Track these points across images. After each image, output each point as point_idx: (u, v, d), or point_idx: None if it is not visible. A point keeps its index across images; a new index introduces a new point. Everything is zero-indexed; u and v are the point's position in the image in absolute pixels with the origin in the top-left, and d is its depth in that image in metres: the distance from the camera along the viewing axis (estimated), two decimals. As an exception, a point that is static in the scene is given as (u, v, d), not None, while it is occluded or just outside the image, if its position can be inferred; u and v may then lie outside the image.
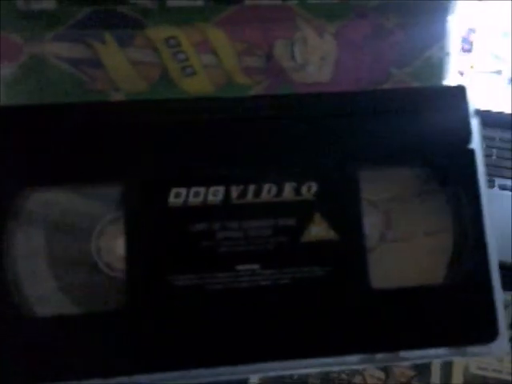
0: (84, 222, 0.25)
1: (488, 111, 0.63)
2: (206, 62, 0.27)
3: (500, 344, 0.25)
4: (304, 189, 0.26)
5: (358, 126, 0.26)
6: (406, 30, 0.27)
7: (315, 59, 0.27)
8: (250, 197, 0.25)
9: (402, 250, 0.26)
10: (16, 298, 0.24)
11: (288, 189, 0.25)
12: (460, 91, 0.26)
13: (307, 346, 0.24)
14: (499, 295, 0.25)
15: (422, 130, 0.26)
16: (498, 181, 0.59)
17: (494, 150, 0.63)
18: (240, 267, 0.25)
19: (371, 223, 0.26)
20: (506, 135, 0.64)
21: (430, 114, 0.26)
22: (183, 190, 0.25)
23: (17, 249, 0.24)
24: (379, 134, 0.26)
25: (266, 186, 0.25)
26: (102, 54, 0.27)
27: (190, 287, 0.25)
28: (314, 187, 0.25)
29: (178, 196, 0.25)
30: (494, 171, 0.60)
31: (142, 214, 0.25)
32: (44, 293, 0.24)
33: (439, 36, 0.27)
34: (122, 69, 0.27)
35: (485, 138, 0.57)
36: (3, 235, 0.24)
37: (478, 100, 0.26)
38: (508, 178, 0.60)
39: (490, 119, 0.63)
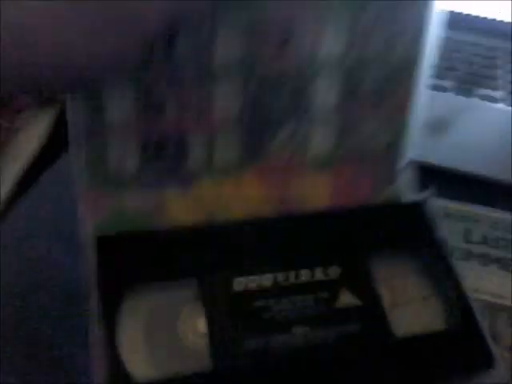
0: (175, 310, 0.34)
1: (471, 15, 0.65)
2: (242, 198, 0.38)
3: (498, 371, 0.33)
4: (331, 271, 0.36)
5: (362, 227, 0.38)
6: (380, 162, 0.40)
7: (317, 192, 0.40)
8: (291, 280, 0.35)
9: (408, 311, 0.36)
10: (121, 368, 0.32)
11: (318, 272, 0.36)
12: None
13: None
14: (486, 330, 0.35)
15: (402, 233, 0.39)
16: (479, 91, 0.59)
17: (477, 58, 0.64)
18: (294, 330, 0.34)
19: (382, 292, 0.36)
20: (492, 43, 0.66)
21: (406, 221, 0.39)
22: (243, 279, 0.35)
23: (123, 331, 0.33)
24: (377, 233, 0.38)
25: (302, 272, 0.36)
26: (166, 199, 0.38)
27: (258, 349, 0.33)
28: (338, 270, 0.36)
29: (239, 284, 0.35)
30: (475, 80, 0.61)
31: (215, 299, 0.34)
32: (141, 363, 0.32)
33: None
34: (179, 208, 0.38)
35: (469, 44, 0.62)
36: (115, 322, 0.33)
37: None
38: (489, 88, 0.60)
39: (473, 24, 0.65)
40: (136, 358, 0.32)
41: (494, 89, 0.61)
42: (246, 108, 0.36)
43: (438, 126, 0.55)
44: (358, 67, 0.37)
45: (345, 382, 0.33)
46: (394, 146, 0.41)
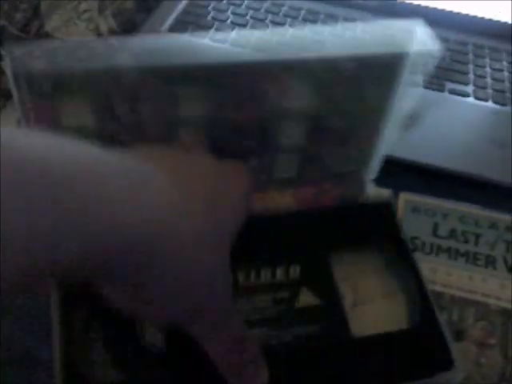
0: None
1: (443, 11, 0.65)
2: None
3: (456, 371, 0.33)
4: (291, 271, 0.35)
5: (325, 227, 0.37)
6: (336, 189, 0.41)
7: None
8: (252, 279, 0.35)
9: (369, 310, 0.35)
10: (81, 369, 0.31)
11: (279, 272, 0.35)
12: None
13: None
14: (447, 331, 0.34)
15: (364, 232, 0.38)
16: (449, 85, 0.60)
17: (448, 53, 0.63)
18: (254, 331, 0.33)
19: (343, 292, 0.35)
20: (462, 38, 0.65)
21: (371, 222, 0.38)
22: None
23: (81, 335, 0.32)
24: (341, 232, 0.37)
25: (263, 271, 0.35)
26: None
27: None
28: (299, 269, 0.35)
29: None
30: (445, 75, 0.61)
31: None
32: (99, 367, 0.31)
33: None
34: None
35: (439, 39, 0.61)
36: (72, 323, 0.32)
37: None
38: (459, 83, 0.60)
39: (445, 20, 0.65)
40: (94, 358, 0.32)
41: (465, 83, 0.60)
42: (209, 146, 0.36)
43: (408, 120, 0.55)
44: (322, 116, 0.37)
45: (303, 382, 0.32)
46: (359, 170, 0.41)
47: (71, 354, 0.31)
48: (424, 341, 0.34)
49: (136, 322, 0.33)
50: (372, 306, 0.35)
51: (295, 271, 0.35)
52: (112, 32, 0.65)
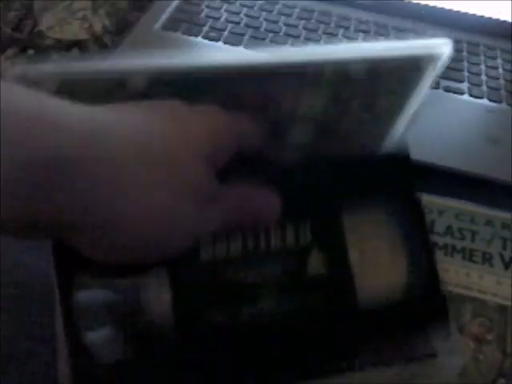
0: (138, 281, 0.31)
1: (437, 8, 0.65)
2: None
3: (456, 359, 0.33)
4: (301, 237, 0.33)
5: (339, 181, 0.34)
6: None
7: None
8: (261, 247, 0.33)
9: (373, 273, 0.34)
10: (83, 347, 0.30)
11: (289, 236, 0.33)
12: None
13: (316, 355, 0.32)
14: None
15: (379, 188, 0.35)
16: (444, 82, 0.59)
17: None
18: (261, 304, 0.32)
19: (353, 257, 0.33)
20: (457, 36, 0.64)
21: (385, 174, 0.35)
22: (210, 248, 0.32)
23: (82, 308, 0.31)
24: (354, 191, 0.35)
25: (273, 236, 0.33)
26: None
27: (224, 321, 0.31)
28: (309, 236, 0.33)
29: (207, 252, 0.32)
30: (440, 72, 0.61)
31: (181, 270, 0.31)
32: (103, 341, 0.31)
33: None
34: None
35: (433, 37, 0.60)
36: (72, 296, 0.31)
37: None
38: (454, 80, 0.60)
39: (439, 17, 0.65)
40: (99, 338, 0.31)
41: (460, 81, 0.60)
42: None
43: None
44: (334, 123, 0.36)
45: (303, 353, 0.32)
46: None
47: (76, 331, 0.30)
48: (424, 308, 0.33)
49: (141, 296, 0.31)
50: (378, 270, 0.34)
51: (305, 235, 0.33)
52: (106, 31, 0.65)
